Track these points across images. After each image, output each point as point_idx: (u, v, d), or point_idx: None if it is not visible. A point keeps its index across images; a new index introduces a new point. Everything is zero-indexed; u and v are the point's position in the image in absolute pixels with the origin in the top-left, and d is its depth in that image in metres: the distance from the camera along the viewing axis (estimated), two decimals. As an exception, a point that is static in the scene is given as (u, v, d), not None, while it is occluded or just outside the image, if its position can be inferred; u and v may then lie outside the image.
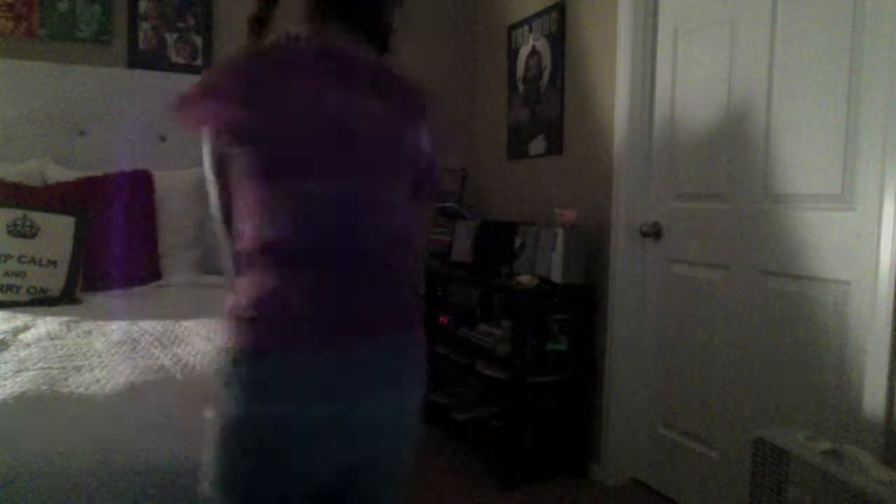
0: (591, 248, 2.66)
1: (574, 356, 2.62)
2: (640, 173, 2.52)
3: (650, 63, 2.50)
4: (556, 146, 2.91)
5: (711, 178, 2.25)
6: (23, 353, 1.43)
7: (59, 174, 2.60)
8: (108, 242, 2.48)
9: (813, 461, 1.35)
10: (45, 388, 1.18)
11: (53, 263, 2.24)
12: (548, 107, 2.97)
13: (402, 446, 1.06)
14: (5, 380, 1.21)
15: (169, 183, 2.71)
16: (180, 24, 3.05)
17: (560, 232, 2.54)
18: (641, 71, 2.50)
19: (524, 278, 2.56)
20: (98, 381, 1.24)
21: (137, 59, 2.99)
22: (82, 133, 2.81)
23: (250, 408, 0.90)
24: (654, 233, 2.48)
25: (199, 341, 1.62)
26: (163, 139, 2.94)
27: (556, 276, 2.55)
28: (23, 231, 2.24)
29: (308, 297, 0.94)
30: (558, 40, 2.89)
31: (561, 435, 2.65)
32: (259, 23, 1.16)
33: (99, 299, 2.22)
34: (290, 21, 1.18)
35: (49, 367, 1.31)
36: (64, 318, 1.84)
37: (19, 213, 2.26)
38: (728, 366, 2.18)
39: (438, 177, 1.16)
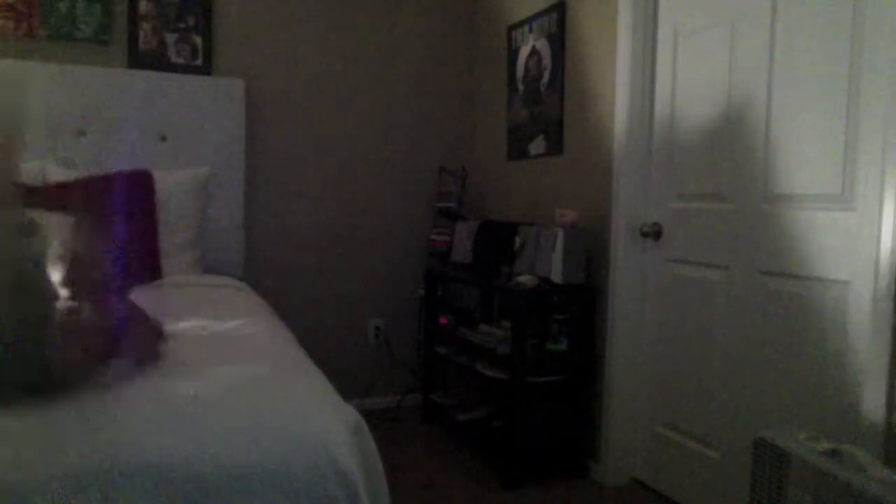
0: (591, 248, 2.65)
1: (574, 356, 2.61)
2: (640, 173, 2.52)
3: (650, 63, 2.50)
4: (556, 146, 2.91)
5: (711, 178, 2.25)
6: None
7: (59, 174, 2.60)
8: (109, 242, 2.48)
9: (813, 461, 1.35)
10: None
11: (53, 263, 2.24)
12: (548, 107, 2.97)
13: None
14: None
15: (169, 183, 2.71)
16: (180, 24, 3.05)
17: (560, 232, 2.54)
18: (641, 71, 2.50)
19: (524, 278, 2.56)
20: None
21: (137, 59, 2.99)
22: (82, 133, 2.81)
23: None
24: (654, 233, 2.47)
25: (199, 340, 1.61)
26: (163, 139, 2.94)
27: (556, 276, 2.55)
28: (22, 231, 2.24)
29: None
30: (558, 40, 2.89)
31: (561, 435, 2.65)
32: None
33: (99, 299, 2.22)
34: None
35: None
36: (63, 318, 1.84)
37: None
38: (728, 366, 2.17)
39: None
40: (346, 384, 3.37)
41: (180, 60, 3.06)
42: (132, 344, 1.39)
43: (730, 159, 2.17)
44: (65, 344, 1.24)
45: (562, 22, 2.86)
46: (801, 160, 1.93)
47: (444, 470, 2.69)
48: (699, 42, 2.29)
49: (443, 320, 3.21)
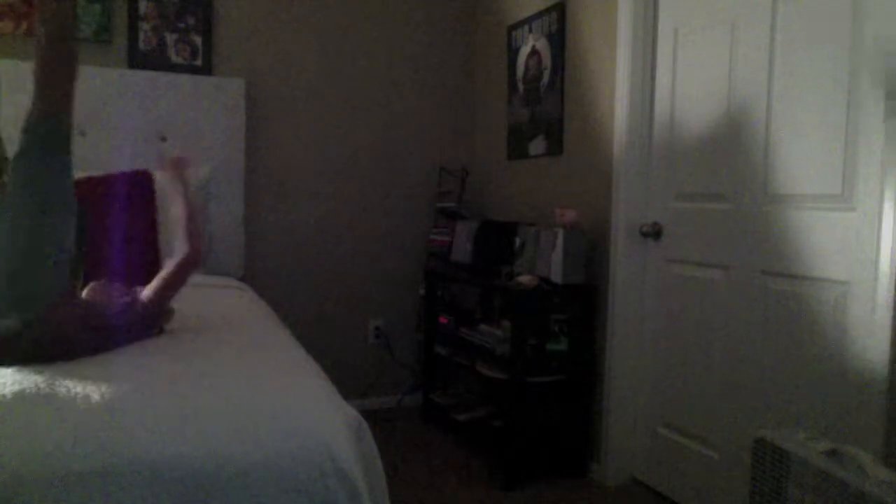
0: (591, 248, 2.66)
1: (574, 356, 2.62)
2: (640, 173, 2.52)
3: (650, 63, 2.50)
4: (556, 146, 2.91)
5: (711, 178, 2.25)
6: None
7: (59, 174, 2.60)
8: (109, 242, 2.48)
9: (813, 461, 1.35)
10: (43, 385, 1.18)
11: (53, 263, 2.24)
12: (548, 107, 2.97)
13: None
14: (3, 378, 1.20)
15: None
16: (180, 24, 3.05)
17: (560, 232, 2.54)
18: (641, 71, 2.50)
19: (524, 278, 2.56)
20: (98, 379, 1.24)
21: (137, 59, 2.99)
22: (82, 133, 2.81)
23: None
24: (654, 233, 2.48)
25: (200, 340, 1.61)
26: (163, 139, 2.94)
27: (556, 276, 2.55)
28: (23, 231, 2.24)
29: None
30: (558, 40, 2.89)
31: (561, 435, 2.65)
32: None
33: (99, 299, 2.21)
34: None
35: (48, 366, 1.31)
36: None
37: (19, 212, 2.26)
38: (728, 366, 2.18)
39: None
40: (346, 384, 3.37)
41: (180, 60, 3.06)
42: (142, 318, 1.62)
43: (730, 159, 2.17)
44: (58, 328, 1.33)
45: (562, 22, 2.86)
46: (801, 160, 1.93)
47: (444, 470, 2.69)
48: (699, 42, 2.29)
49: (443, 320, 3.21)
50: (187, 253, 1.77)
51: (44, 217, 1.36)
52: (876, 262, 1.70)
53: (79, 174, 2.63)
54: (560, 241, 2.54)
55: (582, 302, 2.62)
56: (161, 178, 1.85)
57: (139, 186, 2.63)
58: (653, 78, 2.50)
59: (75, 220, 1.43)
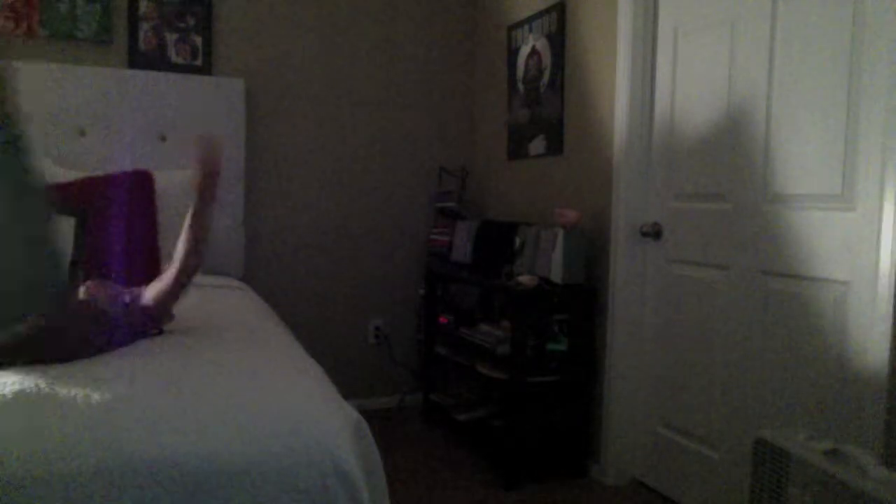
0: (591, 248, 2.66)
1: (574, 356, 2.62)
2: (640, 173, 2.52)
3: (650, 63, 2.50)
4: (556, 146, 2.91)
5: (711, 178, 2.25)
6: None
7: (59, 174, 2.60)
8: (109, 242, 2.48)
9: (813, 461, 1.35)
10: (43, 386, 1.18)
11: (53, 263, 2.24)
12: (548, 107, 2.97)
13: None
14: (3, 378, 1.20)
15: (169, 183, 2.71)
16: (180, 24, 3.05)
17: (560, 232, 2.54)
18: (641, 71, 2.50)
19: (524, 278, 2.56)
20: (98, 379, 1.24)
21: (137, 59, 2.99)
22: (82, 133, 2.81)
23: None
24: (654, 233, 2.48)
25: (200, 340, 1.61)
26: (163, 139, 2.94)
27: (556, 276, 2.55)
28: (23, 231, 2.23)
29: None
30: (558, 40, 2.89)
31: (561, 435, 2.65)
32: None
33: (99, 299, 2.21)
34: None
35: (49, 366, 1.31)
36: (64, 318, 1.84)
37: (19, 212, 2.25)
38: (728, 366, 2.18)
39: None
40: (346, 384, 3.37)
41: (180, 60, 3.06)
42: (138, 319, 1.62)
43: (730, 159, 2.17)
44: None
45: (562, 22, 2.86)
46: (801, 160, 1.93)
47: (444, 470, 2.69)
48: (699, 42, 2.29)
49: (443, 320, 3.21)
50: (184, 265, 1.74)
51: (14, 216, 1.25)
52: (876, 262, 1.70)
53: (79, 174, 2.64)
54: (560, 241, 2.54)
55: (582, 302, 2.62)
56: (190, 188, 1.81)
57: (139, 186, 2.63)
58: (653, 78, 2.50)
59: (53, 216, 1.34)
